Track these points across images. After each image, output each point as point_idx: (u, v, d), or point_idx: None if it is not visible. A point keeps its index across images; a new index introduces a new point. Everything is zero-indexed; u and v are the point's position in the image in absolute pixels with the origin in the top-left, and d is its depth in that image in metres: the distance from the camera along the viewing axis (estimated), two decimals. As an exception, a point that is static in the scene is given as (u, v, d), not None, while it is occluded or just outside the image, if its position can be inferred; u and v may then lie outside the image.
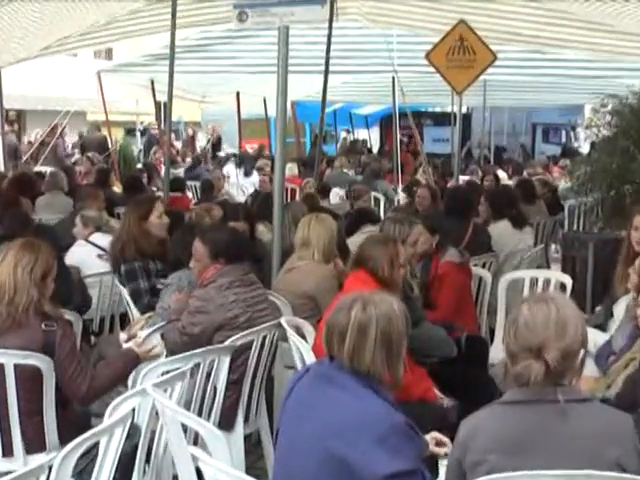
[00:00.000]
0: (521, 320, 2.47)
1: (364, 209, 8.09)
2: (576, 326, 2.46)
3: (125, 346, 4.21)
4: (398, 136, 13.71)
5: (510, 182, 11.94)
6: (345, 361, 2.73)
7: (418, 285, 5.04)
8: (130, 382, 4.33)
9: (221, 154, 19.15)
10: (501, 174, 13.36)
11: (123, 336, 4.64)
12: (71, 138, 18.91)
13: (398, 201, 11.63)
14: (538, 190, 10.11)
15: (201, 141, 21.40)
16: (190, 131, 21.49)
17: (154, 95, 15.21)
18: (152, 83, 15.04)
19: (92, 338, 5.85)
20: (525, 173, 14.32)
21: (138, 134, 20.13)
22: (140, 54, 14.08)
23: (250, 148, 21.04)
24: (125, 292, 5.51)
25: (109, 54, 24.86)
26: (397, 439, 2.57)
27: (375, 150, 23.36)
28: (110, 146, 15.66)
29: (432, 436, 3.14)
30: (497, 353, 5.42)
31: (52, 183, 9.47)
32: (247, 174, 13.96)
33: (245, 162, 14.84)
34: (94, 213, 6.75)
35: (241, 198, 12.12)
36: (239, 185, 13.19)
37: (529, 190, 9.46)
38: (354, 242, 6.23)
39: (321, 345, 3.88)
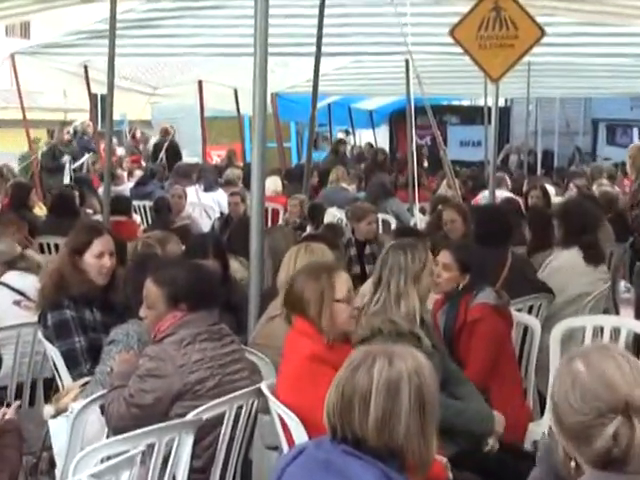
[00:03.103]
0: (585, 377, 2.45)
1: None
2: None
3: (52, 422, 4.21)
4: (414, 138, 13.76)
5: (559, 199, 11.96)
6: (370, 436, 2.72)
7: (433, 333, 5.04)
8: (58, 472, 4.33)
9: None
10: (551, 187, 13.40)
11: (49, 410, 4.64)
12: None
13: (415, 225, 11.66)
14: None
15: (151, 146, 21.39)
16: (138, 133, 21.53)
17: (88, 86, 15.27)
18: (85, 70, 15.10)
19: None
20: (572, 185, 14.28)
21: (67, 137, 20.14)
22: (68, 31, 14.12)
23: (217, 156, 21.12)
24: (51, 350, 5.50)
25: (26, 30, 24.98)
26: None
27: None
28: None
29: None
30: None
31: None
32: (208, 189, 13.97)
33: (204, 174, 14.86)
34: (3, 245, 6.75)
35: (206, 222, 12.14)
36: (201, 205, 13.19)
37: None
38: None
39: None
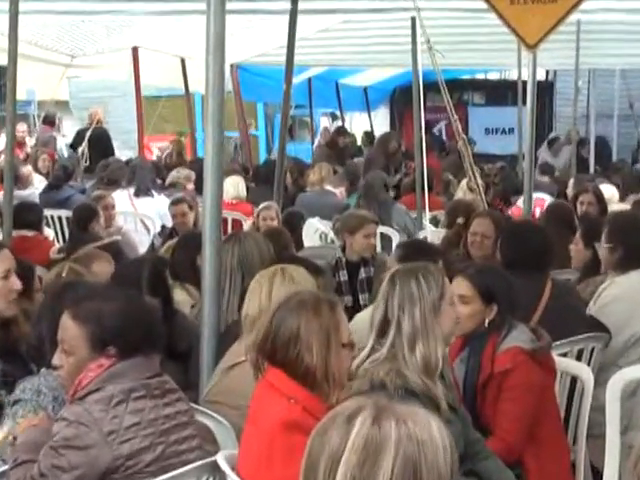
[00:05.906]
0: None
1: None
2: None
3: None
4: (423, 124, 13.81)
5: (623, 206, 12.01)
6: None
7: (451, 390, 5.06)
8: None
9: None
10: (608, 191, 13.44)
11: None
12: None
13: (425, 239, 11.69)
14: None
15: (68, 135, 21.38)
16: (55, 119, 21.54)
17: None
18: (-22, 33, 15.15)
19: None
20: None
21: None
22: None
23: (157, 148, 21.11)
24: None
25: None
26: None
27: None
28: None
29: None
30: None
31: None
32: (142, 193, 13.85)
33: (136, 173, 14.75)
34: None
35: (143, 238, 12.13)
36: (135, 216, 13.15)
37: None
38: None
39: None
